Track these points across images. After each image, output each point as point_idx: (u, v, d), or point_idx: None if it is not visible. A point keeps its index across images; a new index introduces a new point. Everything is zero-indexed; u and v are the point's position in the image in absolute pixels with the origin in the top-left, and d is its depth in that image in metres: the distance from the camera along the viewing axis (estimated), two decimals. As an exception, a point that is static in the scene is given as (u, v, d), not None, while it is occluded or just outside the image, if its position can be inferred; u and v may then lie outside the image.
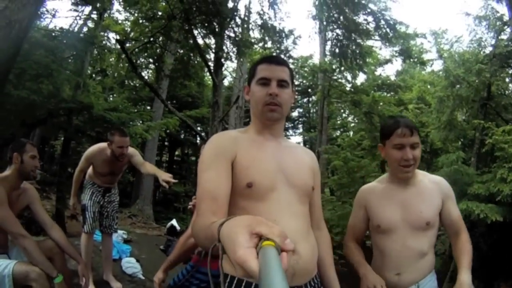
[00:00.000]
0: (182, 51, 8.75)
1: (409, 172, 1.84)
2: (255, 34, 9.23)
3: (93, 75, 11.79)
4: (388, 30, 8.00)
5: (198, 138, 19.54)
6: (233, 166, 1.33)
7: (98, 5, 7.27)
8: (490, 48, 8.23)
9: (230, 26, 8.13)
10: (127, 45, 7.92)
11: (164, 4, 7.19)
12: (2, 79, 2.09)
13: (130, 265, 5.22)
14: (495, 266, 7.31)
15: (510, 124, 6.78)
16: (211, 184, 1.27)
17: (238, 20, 8.13)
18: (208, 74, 13.82)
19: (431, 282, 1.88)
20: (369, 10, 7.85)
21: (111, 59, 10.93)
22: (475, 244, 7.80)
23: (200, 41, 8.42)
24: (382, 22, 7.96)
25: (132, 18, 11.00)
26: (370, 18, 8.02)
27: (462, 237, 1.86)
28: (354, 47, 8.05)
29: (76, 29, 8.77)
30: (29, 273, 2.38)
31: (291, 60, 15.35)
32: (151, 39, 7.31)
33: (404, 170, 1.84)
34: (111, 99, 11.55)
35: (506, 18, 8.78)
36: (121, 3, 8.88)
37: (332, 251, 1.62)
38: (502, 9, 9.18)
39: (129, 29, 10.31)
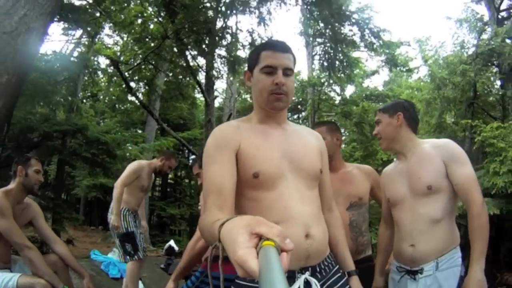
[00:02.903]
0: (175, 71, 8.87)
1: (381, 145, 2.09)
2: (245, 52, 9.43)
3: (84, 100, 11.81)
4: (373, 38, 8.26)
5: (190, 160, 19.48)
6: (238, 157, 1.32)
7: (89, 28, 7.37)
8: (473, 49, 8.51)
9: (220, 44, 8.32)
10: (120, 66, 7.99)
11: (157, 24, 7.33)
12: (20, 82, 2.15)
13: (133, 283, 5.15)
14: (496, 258, 7.45)
15: (497, 121, 6.98)
16: (216, 178, 1.26)
17: (228, 38, 8.32)
18: (198, 95, 13.99)
19: (452, 261, 1.75)
20: (353, 21, 8.10)
21: (102, 83, 11.00)
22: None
23: (191, 61, 8.57)
24: (367, 31, 8.21)
25: (121, 41, 11.18)
26: (355, 28, 8.27)
27: (472, 209, 1.71)
28: (341, 57, 8.27)
29: (67, 52, 8.84)
30: (34, 285, 2.36)
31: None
32: (145, 60, 7.39)
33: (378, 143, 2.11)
34: (102, 123, 11.54)
35: (486, 18, 9.19)
36: (111, 26, 9.01)
37: (343, 230, 1.62)
38: (482, 9, 9.66)
39: (119, 53, 10.42)
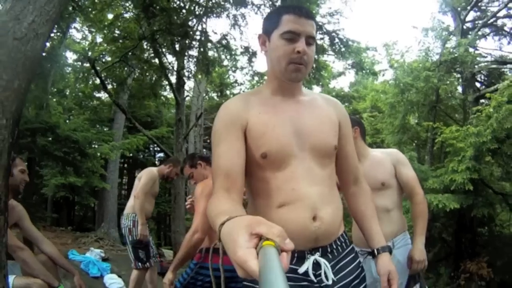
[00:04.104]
0: (149, 70, 8.83)
1: None
2: (218, 53, 9.53)
3: (50, 96, 11.41)
4: (341, 47, 8.69)
5: (157, 158, 19.23)
6: (246, 135, 1.26)
7: (61, 23, 7.18)
8: (437, 56, 9.06)
9: (192, 46, 8.40)
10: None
11: (133, 24, 7.29)
12: (28, 88, 2.24)
13: (113, 281, 5.22)
14: (459, 250, 8.09)
15: (457, 124, 7.56)
16: (223, 160, 1.22)
17: (202, 40, 8.40)
18: (165, 92, 13.88)
19: (404, 241, 2.26)
20: (325, 31, 8.51)
21: (70, 79, 10.69)
22: (439, 235, 8.57)
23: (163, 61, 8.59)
24: (337, 40, 8.64)
25: (90, 36, 10.91)
26: (326, 37, 8.68)
27: (415, 199, 2.26)
28: (310, 62, 8.60)
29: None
30: (31, 286, 2.35)
31: (247, 77, 15.85)
32: (121, 59, 7.33)
33: None
34: (68, 121, 11.24)
35: (451, 28, 9.81)
36: (82, 21, 8.82)
37: (373, 204, 1.50)
38: (448, 19, 10.31)
39: (87, 48, 10.18)
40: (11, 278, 2.38)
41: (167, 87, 10.61)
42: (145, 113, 15.32)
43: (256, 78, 19.15)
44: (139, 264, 3.92)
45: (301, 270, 1.22)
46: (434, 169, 7.55)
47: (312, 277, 1.22)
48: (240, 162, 1.23)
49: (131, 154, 16.30)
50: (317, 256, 1.26)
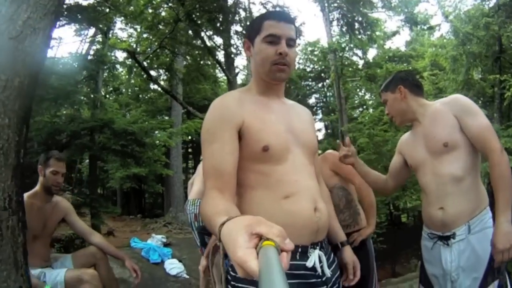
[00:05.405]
0: (193, 52, 8.83)
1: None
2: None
3: (106, 96, 12.02)
4: (390, -4, 7.94)
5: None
6: (242, 131, 1.27)
7: (100, 26, 7.37)
8: (494, 0, 8.03)
9: (235, 21, 8.18)
10: (137, 57, 8.02)
11: (167, 9, 7.27)
12: (33, 83, 2.20)
13: (174, 265, 5.29)
14: None
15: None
16: (216, 159, 1.22)
17: (242, 13, 8.15)
18: (220, 74, 13.90)
19: (484, 222, 1.68)
20: (370, -19, 7.79)
21: (122, 76, 11.15)
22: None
23: (207, 41, 8.50)
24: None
25: (135, 33, 11.20)
26: (372, -13, 7.97)
27: (491, 158, 1.64)
28: (360, 18, 7.96)
29: (83, 52, 8.95)
30: (82, 276, 2.41)
31: (299, 48, 15.30)
32: (160, 45, 7.38)
33: None
34: (128, 116, 11.77)
35: None
36: (123, 20, 9.02)
37: (332, 203, 1.65)
38: None
39: (134, 45, 10.46)
40: (63, 271, 2.45)
41: (218, 67, 10.54)
42: (201, 97, 15.52)
43: (309, 48, 18.67)
44: (205, 249, 3.93)
45: (309, 264, 1.25)
46: (505, 128, 6.65)
47: (319, 270, 1.26)
48: (233, 161, 1.24)
49: (193, 139, 16.75)
50: (318, 250, 1.30)
